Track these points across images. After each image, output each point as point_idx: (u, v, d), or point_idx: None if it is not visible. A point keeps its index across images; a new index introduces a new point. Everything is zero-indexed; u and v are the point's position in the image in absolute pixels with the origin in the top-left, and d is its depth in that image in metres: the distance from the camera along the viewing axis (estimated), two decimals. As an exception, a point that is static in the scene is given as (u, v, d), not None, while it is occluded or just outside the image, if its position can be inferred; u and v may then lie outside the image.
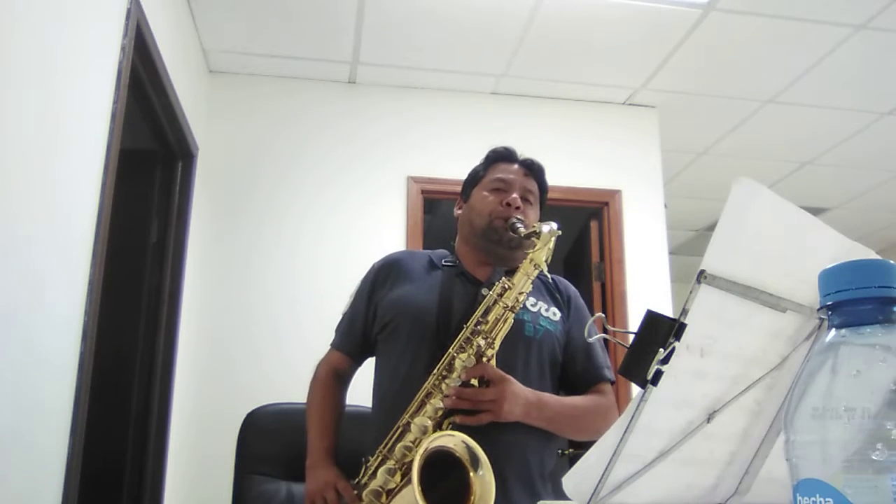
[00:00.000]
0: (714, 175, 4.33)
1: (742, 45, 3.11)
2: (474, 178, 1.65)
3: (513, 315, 1.38)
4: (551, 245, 1.43)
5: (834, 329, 0.50)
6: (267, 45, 3.21)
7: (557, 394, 1.54)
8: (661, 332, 0.67)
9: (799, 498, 0.48)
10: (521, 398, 1.35)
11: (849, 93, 3.47)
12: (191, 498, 2.89)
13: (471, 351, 1.33)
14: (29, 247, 1.57)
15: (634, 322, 1.61)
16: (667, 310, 2.45)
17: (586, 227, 3.64)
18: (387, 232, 3.28)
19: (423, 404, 1.33)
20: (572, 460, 3.18)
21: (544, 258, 1.42)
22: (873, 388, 0.47)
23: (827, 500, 0.46)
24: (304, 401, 1.58)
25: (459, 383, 1.31)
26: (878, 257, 0.57)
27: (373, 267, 1.64)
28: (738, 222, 0.70)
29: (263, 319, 3.13)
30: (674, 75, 3.38)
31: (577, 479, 0.73)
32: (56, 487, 1.76)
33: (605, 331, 0.85)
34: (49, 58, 1.64)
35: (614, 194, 3.58)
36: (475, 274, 1.56)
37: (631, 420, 0.69)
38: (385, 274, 1.60)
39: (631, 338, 0.71)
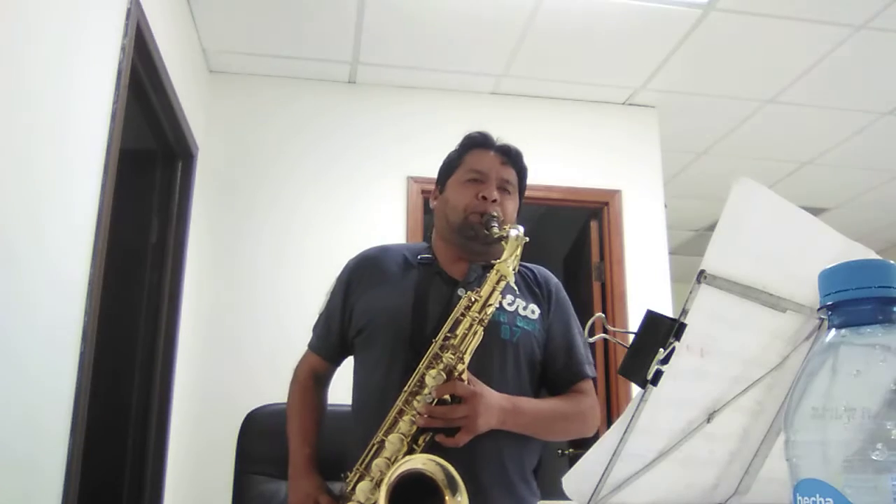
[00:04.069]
0: (714, 175, 4.33)
1: (742, 45, 3.11)
2: (449, 168, 1.58)
3: (482, 328, 1.33)
4: (518, 252, 1.38)
5: (834, 329, 0.50)
6: (267, 45, 3.21)
7: (537, 394, 1.50)
8: (661, 332, 0.67)
9: (799, 498, 0.48)
10: (495, 408, 1.31)
11: (849, 93, 3.47)
12: (191, 498, 2.89)
13: (440, 367, 1.29)
14: (29, 247, 1.57)
15: (634, 322, 1.60)
16: (667, 310, 2.45)
17: (586, 227, 3.64)
18: (387, 232, 3.27)
19: (396, 421, 1.29)
20: (572, 460, 3.18)
21: (511, 268, 1.36)
22: (873, 388, 0.47)
23: (827, 500, 0.46)
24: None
25: (431, 401, 1.27)
26: (878, 257, 0.57)
27: (347, 266, 1.59)
28: (738, 222, 0.70)
29: (263, 319, 3.13)
30: (674, 75, 3.37)
31: (577, 479, 0.73)
32: (56, 487, 1.76)
33: (605, 331, 0.84)
34: (49, 58, 1.64)
35: (614, 194, 3.58)
36: (451, 271, 1.50)
37: (631, 420, 0.69)
38: (359, 274, 1.55)
39: (631, 338, 0.71)
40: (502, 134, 1.59)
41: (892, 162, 4.20)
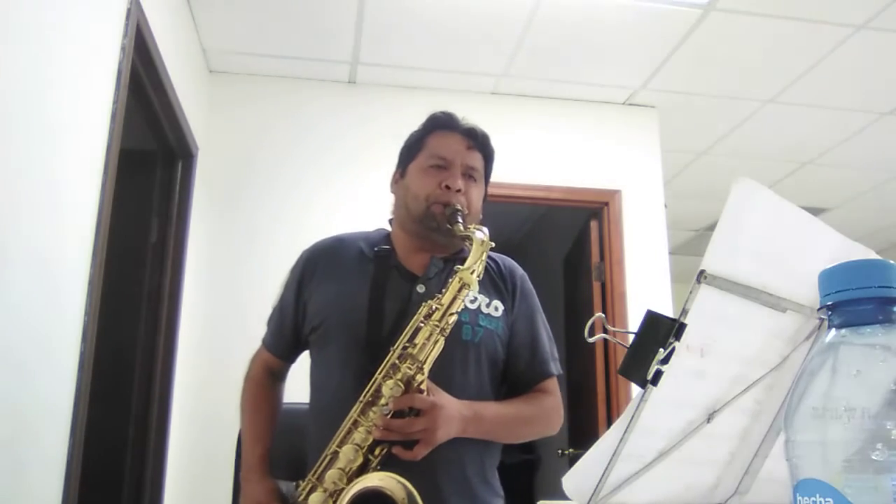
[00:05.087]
0: (714, 175, 4.33)
1: (742, 45, 3.11)
2: (411, 150, 1.49)
3: (443, 338, 1.24)
4: (483, 258, 1.29)
5: (834, 329, 0.50)
6: (267, 45, 3.21)
7: (499, 392, 1.43)
8: (661, 332, 0.67)
9: (799, 498, 0.48)
10: (455, 418, 1.25)
11: (849, 93, 3.47)
12: (191, 498, 2.89)
13: (398, 378, 1.21)
14: (29, 247, 1.57)
15: (634, 322, 1.59)
16: (667, 310, 2.44)
17: (586, 227, 3.64)
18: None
19: (350, 432, 1.22)
20: (572, 460, 3.18)
21: (475, 276, 1.26)
22: (873, 388, 0.47)
23: (827, 500, 0.46)
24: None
25: (388, 412, 1.19)
26: (878, 257, 0.57)
27: (300, 257, 1.52)
28: (738, 222, 0.70)
29: (263, 319, 3.12)
30: (674, 75, 3.37)
31: (577, 479, 0.73)
32: (56, 487, 1.76)
33: (605, 331, 0.84)
34: (49, 58, 1.64)
35: (614, 194, 3.58)
36: (410, 264, 1.42)
37: (631, 420, 0.69)
38: (313, 266, 1.47)
39: (631, 338, 0.71)
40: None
41: (892, 162, 4.20)
